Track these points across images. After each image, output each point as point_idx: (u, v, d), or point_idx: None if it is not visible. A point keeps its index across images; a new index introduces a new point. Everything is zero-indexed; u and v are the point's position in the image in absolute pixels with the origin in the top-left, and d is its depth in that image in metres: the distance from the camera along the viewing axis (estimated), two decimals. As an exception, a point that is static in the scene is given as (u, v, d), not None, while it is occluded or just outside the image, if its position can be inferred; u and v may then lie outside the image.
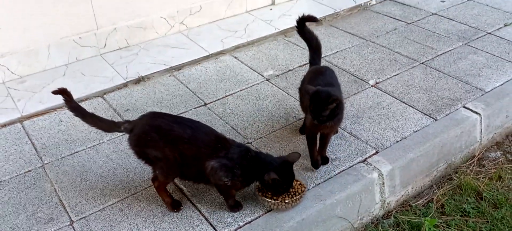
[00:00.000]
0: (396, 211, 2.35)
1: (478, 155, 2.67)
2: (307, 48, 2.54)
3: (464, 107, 2.68)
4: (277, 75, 3.06)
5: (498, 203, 2.36)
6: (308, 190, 2.14)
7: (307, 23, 2.48)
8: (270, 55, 3.32)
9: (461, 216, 2.31)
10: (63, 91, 2.07)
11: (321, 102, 2.03)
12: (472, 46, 3.31)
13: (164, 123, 2.00)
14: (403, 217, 2.30)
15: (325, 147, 2.28)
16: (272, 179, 1.94)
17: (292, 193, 2.06)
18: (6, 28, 2.97)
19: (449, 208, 2.34)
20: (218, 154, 1.95)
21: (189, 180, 2.09)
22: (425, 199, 2.42)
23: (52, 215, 2.09)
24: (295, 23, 2.47)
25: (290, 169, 2.00)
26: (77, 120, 2.12)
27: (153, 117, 2.06)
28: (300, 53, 3.31)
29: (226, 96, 2.87)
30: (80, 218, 2.07)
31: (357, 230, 2.23)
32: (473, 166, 2.59)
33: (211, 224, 2.00)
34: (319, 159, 2.27)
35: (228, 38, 3.49)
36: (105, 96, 2.92)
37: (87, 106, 2.80)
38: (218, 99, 2.84)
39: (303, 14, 2.45)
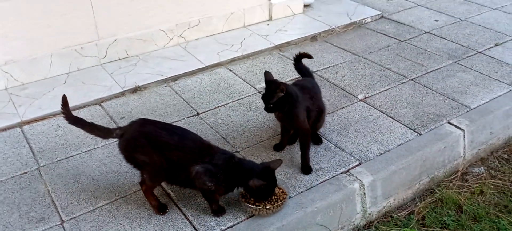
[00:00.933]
0: (377, 222, 2.41)
1: (462, 169, 2.72)
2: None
3: (449, 123, 2.75)
4: (269, 88, 3.16)
5: (478, 216, 2.41)
6: (290, 197, 2.22)
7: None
8: (264, 69, 3.37)
9: (441, 228, 2.36)
10: (64, 98, 2.19)
11: (270, 91, 2.24)
12: (462, 65, 3.39)
13: (153, 129, 2.09)
14: (383, 227, 2.36)
15: (303, 154, 2.37)
16: (257, 185, 2.02)
17: (274, 200, 2.14)
18: (12, 37, 3.11)
19: (429, 220, 2.40)
20: (203, 159, 2.04)
21: (176, 184, 2.18)
22: (407, 211, 2.48)
23: (44, 214, 2.18)
24: (292, 60, 2.75)
25: (272, 175, 2.08)
26: (74, 126, 2.23)
27: (143, 123, 2.16)
28: (293, 67, 3.39)
29: (218, 106, 2.97)
30: (70, 218, 2.16)
31: (338, 239, 2.30)
32: (456, 180, 2.65)
33: (194, 227, 2.08)
34: (284, 144, 2.53)
35: (224, 52, 3.60)
36: (102, 104, 3.04)
37: (85, 113, 2.92)
38: (211, 110, 2.94)
39: (300, 52, 2.72)
